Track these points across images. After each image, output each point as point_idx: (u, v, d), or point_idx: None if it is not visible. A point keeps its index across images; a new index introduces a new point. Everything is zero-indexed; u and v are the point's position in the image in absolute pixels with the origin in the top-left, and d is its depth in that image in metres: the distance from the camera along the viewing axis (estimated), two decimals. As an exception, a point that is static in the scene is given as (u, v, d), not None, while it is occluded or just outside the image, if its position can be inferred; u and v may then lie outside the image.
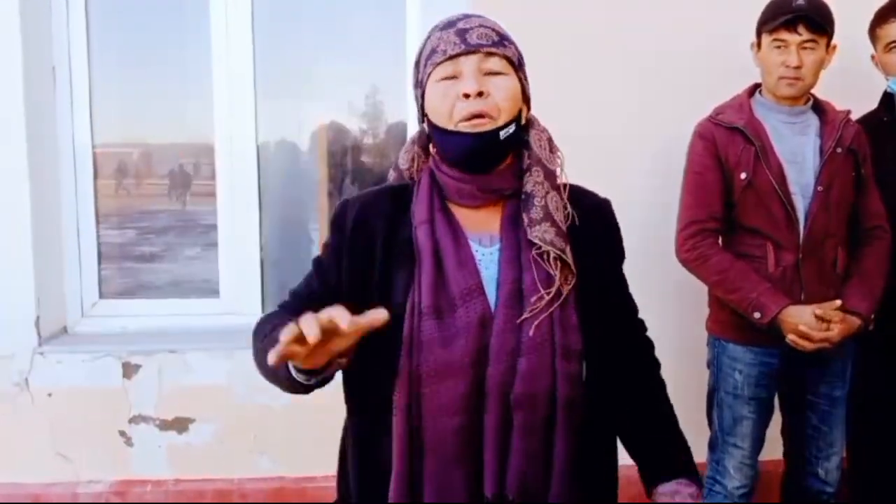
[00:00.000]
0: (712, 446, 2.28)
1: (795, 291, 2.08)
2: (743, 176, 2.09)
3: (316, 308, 1.02)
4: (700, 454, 2.38)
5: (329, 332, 0.94)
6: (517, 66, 1.21)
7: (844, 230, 2.15)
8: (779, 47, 2.09)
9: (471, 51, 1.16)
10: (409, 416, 1.12)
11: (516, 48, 1.23)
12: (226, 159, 2.89)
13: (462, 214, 1.21)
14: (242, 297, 2.90)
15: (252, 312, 2.87)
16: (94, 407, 2.69)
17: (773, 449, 2.34)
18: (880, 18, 2.27)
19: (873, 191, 2.19)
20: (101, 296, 2.93)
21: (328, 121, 3.06)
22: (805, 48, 2.07)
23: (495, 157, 1.19)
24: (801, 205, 2.09)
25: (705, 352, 2.33)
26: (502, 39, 1.19)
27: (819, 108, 2.17)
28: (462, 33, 1.17)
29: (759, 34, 2.16)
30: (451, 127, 1.16)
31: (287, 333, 0.93)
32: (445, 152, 1.21)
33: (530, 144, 1.22)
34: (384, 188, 1.29)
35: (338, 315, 0.93)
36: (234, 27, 2.85)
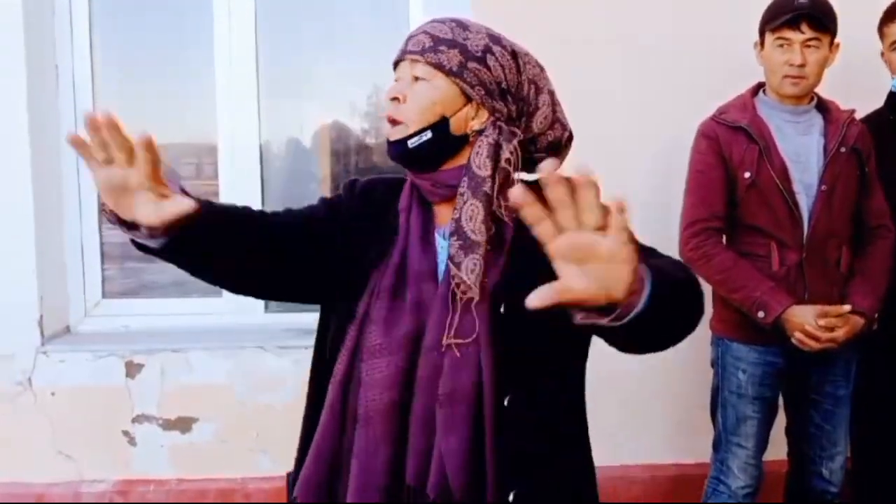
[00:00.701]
0: (716, 446, 2.28)
1: (799, 290, 2.08)
2: (746, 175, 2.09)
3: (287, 217, 1.29)
4: (704, 454, 2.39)
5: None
6: (453, 71, 1.18)
7: (848, 229, 2.15)
8: (782, 46, 2.09)
9: (402, 58, 1.22)
10: (343, 389, 1.16)
11: (462, 52, 1.18)
12: (228, 159, 2.90)
13: (437, 207, 1.26)
14: (245, 297, 2.90)
15: (254, 312, 2.88)
16: (97, 406, 2.69)
17: (778, 449, 2.33)
18: (888, 16, 2.27)
19: (877, 190, 2.19)
20: (104, 295, 2.93)
21: (330, 120, 3.06)
22: (808, 46, 2.07)
23: (417, 161, 1.22)
24: (804, 204, 2.08)
25: (709, 351, 2.32)
26: (436, 45, 1.19)
27: (823, 107, 2.17)
28: (408, 40, 1.22)
29: (762, 33, 2.16)
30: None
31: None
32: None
33: (472, 150, 1.21)
34: (390, 177, 1.36)
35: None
36: (237, 27, 2.85)
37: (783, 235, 2.09)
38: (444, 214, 1.24)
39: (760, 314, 2.05)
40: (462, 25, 1.23)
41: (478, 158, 1.20)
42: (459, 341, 1.13)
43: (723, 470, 2.23)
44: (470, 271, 1.14)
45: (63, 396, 2.69)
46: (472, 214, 1.17)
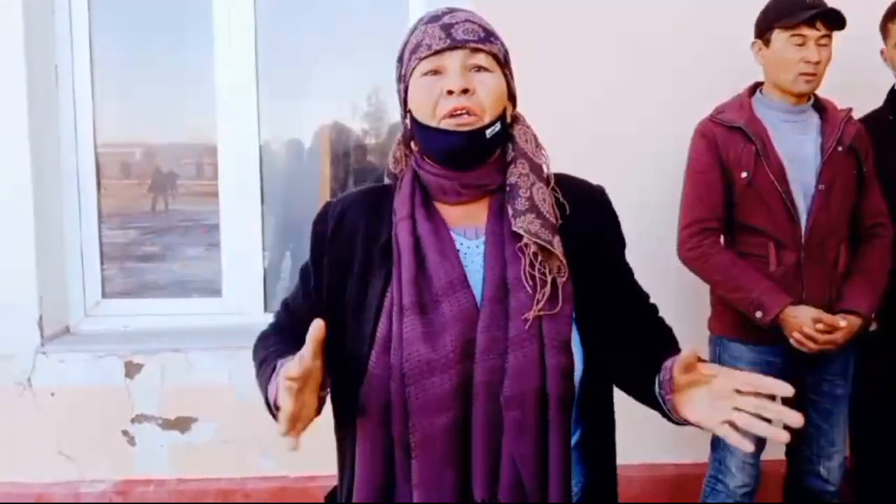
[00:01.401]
0: (714, 445, 2.28)
1: (797, 290, 2.08)
2: (743, 175, 2.09)
3: (304, 322, 1.05)
4: (702, 454, 2.39)
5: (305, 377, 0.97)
6: (503, 62, 1.17)
7: (846, 228, 2.15)
8: (798, 44, 2.07)
9: (456, 46, 1.12)
10: (384, 417, 1.08)
11: (502, 44, 1.19)
12: (228, 159, 2.90)
13: (445, 210, 1.18)
14: (245, 296, 2.90)
15: (254, 312, 2.87)
16: (97, 406, 2.69)
17: (775, 448, 2.33)
18: (892, 14, 2.27)
19: (875, 189, 2.19)
20: (104, 295, 2.93)
21: (331, 121, 3.06)
22: (820, 44, 2.08)
23: (480, 156, 1.16)
24: (802, 203, 2.09)
25: (707, 351, 2.32)
26: (488, 35, 1.16)
27: (820, 106, 2.17)
28: (447, 28, 1.13)
29: (768, 30, 2.14)
30: (434, 123, 1.13)
31: (282, 418, 0.97)
32: (428, 149, 1.17)
33: (515, 139, 1.19)
34: (369, 188, 1.27)
35: (300, 360, 0.96)
36: (237, 27, 2.85)
37: (781, 235, 2.09)
38: (456, 215, 1.18)
39: (759, 314, 2.05)
40: (482, 17, 1.20)
41: (529, 146, 1.19)
42: (547, 313, 1.09)
43: (721, 469, 2.24)
44: (560, 252, 1.12)
45: (63, 396, 2.69)
46: (543, 197, 1.15)
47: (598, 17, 2.66)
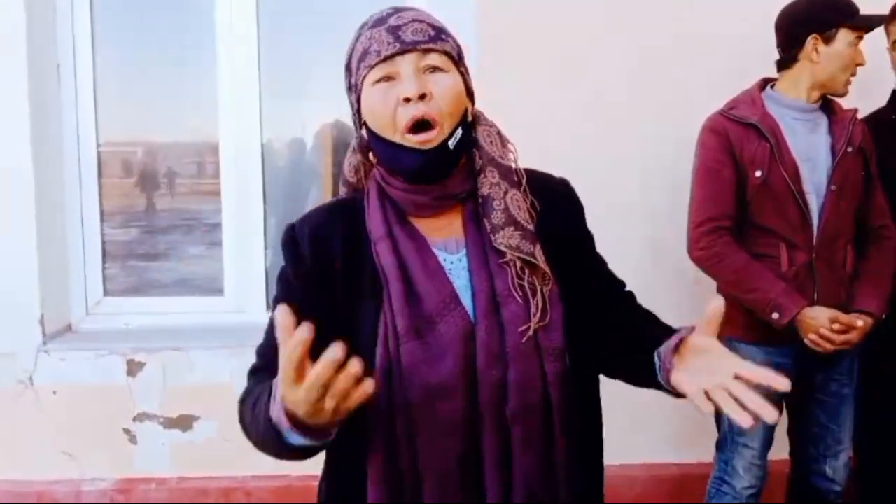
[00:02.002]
0: (720, 446, 2.26)
1: (809, 291, 2.06)
2: (758, 174, 2.04)
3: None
4: (706, 454, 2.38)
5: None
6: (457, 60, 1.12)
7: (853, 229, 2.14)
8: (855, 45, 2.07)
9: (407, 49, 1.07)
10: (393, 445, 1.04)
11: (454, 41, 1.13)
12: (230, 158, 2.89)
13: (421, 224, 1.13)
14: (246, 295, 2.90)
15: (256, 311, 2.87)
16: (99, 405, 2.69)
17: (779, 448, 2.33)
18: (893, 15, 2.25)
19: (879, 189, 2.18)
20: (106, 293, 2.93)
21: (332, 119, 3.06)
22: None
23: (447, 168, 1.11)
24: (814, 204, 2.06)
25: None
26: (439, 33, 1.10)
27: (828, 106, 2.15)
28: (395, 31, 1.08)
29: (830, 27, 2.07)
30: (396, 139, 1.07)
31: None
32: (392, 166, 1.12)
33: (479, 142, 1.14)
34: (332, 205, 1.21)
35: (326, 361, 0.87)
36: (239, 26, 2.85)
37: (793, 236, 2.06)
38: (434, 227, 1.13)
39: (775, 315, 2.02)
40: (429, 13, 1.15)
41: (495, 147, 1.14)
42: (543, 323, 1.07)
43: (727, 470, 2.22)
44: (544, 262, 1.09)
45: (64, 395, 2.69)
46: (519, 205, 1.11)
47: (602, 15, 2.66)
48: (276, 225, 2.98)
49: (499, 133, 1.18)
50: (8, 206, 2.64)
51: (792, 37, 2.12)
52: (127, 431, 2.72)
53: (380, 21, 1.11)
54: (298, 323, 0.90)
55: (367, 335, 1.07)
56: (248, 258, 2.91)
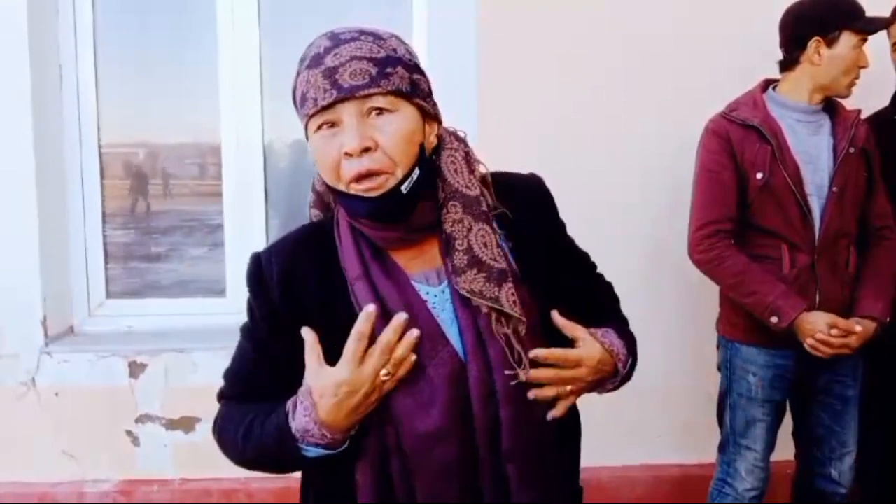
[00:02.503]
0: (723, 448, 2.26)
1: (811, 292, 2.06)
2: (759, 176, 2.04)
3: (267, 390, 1.07)
4: (707, 455, 2.38)
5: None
6: (409, 93, 1.03)
7: (855, 230, 2.13)
8: (858, 48, 2.06)
9: (345, 98, 0.99)
10: (388, 486, 1.04)
11: (405, 68, 1.03)
12: (232, 159, 2.90)
13: (397, 256, 1.09)
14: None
15: (258, 312, 2.87)
16: (101, 406, 2.70)
17: (783, 450, 2.33)
18: (894, 17, 2.25)
19: (881, 190, 2.18)
20: (108, 295, 2.93)
21: (334, 120, 3.06)
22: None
23: (404, 209, 1.04)
24: (816, 206, 2.06)
25: (715, 354, 2.31)
26: (382, 70, 1.00)
27: (831, 107, 2.15)
28: (331, 74, 0.99)
29: (833, 30, 2.05)
30: (342, 188, 1.02)
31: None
32: (347, 211, 1.07)
33: (443, 172, 1.07)
34: (300, 235, 1.14)
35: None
36: (241, 27, 2.85)
37: (794, 237, 2.06)
38: (412, 261, 1.09)
39: (774, 319, 2.02)
40: (373, 35, 1.05)
41: (459, 177, 1.07)
42: (525, 370, 1.04)
43: (729, 472, 2.22)
44: (513, 304, 1.03)
45: (67, 396, 2.69)
46: (485, 241, 1.05)
47: (603, 16, 2.66)
48: (278, 226, 2.98)
49: (466, 154, 1.10)
50: (10, 208, 2.64)
51: (794, 38, 2.11)
52: (129, 433, 2.72)
53: (316, 60, 1.02)
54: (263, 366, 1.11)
55: None
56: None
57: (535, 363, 1.05)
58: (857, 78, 2.09)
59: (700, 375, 2.53)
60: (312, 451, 1.03)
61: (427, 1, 2.79)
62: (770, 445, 2.20)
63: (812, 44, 2.06)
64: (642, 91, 2.67)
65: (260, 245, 2.91)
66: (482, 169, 1.13)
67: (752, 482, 2.18)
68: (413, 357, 1.01)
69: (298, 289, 1.07)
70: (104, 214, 2.91)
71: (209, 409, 2.96)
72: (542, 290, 1.11)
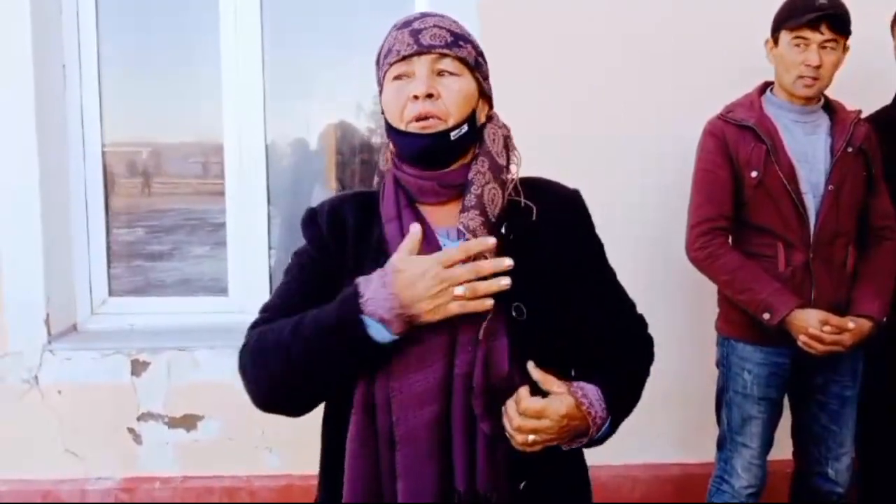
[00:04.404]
0: (720, 445, 2.28)
1: (806, 291, 2.07)
2: (753, 174, 2.08)
3: (305, 306, 1.14)
4: (708, 454, 2.39)
5: None
6: (473, 66, 1.21)
7: (854, 229, 2.14)
8: (798, 45, 2.06)
9: (423, 52, 1.17)
10: (368, 413, 1.12)
11: (474, 47, 1.23)
12: (235, 158, 2.90)
13: (428, 211, 1.22)
14: (251, 295, 2.90)
15: (260, 311, 2.88)
16: (103, 404, 2.71)
17: (781, 449, 2.33)
18: None
19: (883, 190, 2.19)
20: (111, 293, 2.95)
21: (337, 120, 3.07)
22: (825, 48, 2.05)
23: (448, 156, 1.20)
24: (811, 204, 2.08)
25: (714, 352, 2.32)
26: (457, 40, 1.20)
27: (830, 107, 2.16)
28: (416, 34, 1.18)
29: (776, 31, 2.14)
30: (402, 127, 1.18)
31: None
32: (400, 151, 1.22)
33: (483, 138, 1.23)
34: (350, 193, 1.32)
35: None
36: (244, 27, 2.86)
37: (790, 236, 2.08)
38: (439, 216, 1.21)
39: (766, 315, 2.04)
40: (454, 20, 1.24)
41: (495, 146, 1.22)
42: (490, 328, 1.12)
43: (726, 469, 2.23)
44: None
45: (69, 394, 2.70)
46: (492, 197, 1.18)
47: (603, 15, 2.66)
48: (281, 225, 2.99)
49: (506, 136, 1.25)
50: (14, 207, 2.65)
51: (766, 42, 2.19)
52: (131, 431, 2.73)
53: (405, 24, 1.21)
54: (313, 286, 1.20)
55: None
56: (252, 258, 2.92)
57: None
58: (803, 76, 2.06)
59: (701, 375, 2.53)
60: (373, 327, 1.07)
61: (429, 4, 2.80)
62: (767, 443, 2.21)
63: (767, 45, 2.17)
64: (642, 91, 2.67)
65: (262, 244, 2.93)
66: (516, 155, 1.25)
67: (749, 479, 2.19)
68: (491, 303, 1.08)
69: (340, 223, 1.24)
70: (107, 213, 2.92)
71: (211, 407, 2.99)
72: (538, 302, 1.16)
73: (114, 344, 2.74)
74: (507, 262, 1.08)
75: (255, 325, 1.23)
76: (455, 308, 1.07)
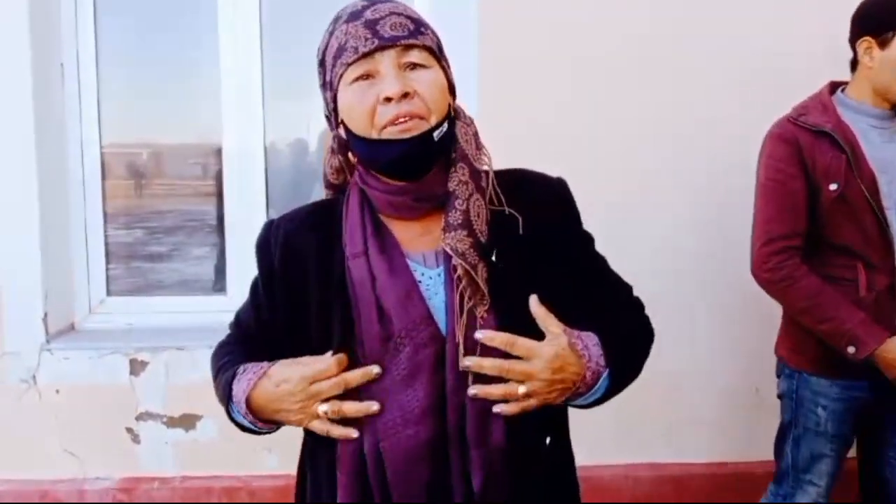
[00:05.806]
0: (779, 480, 2.08)
1: (890, 318, 1.86)
2: (833, 187, 1.84)
3: (256, 341, 1.15)
4: (708, 454, 2.37)
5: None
6: (438, 54, 1.07)
7: None
8: None
9: (386, 45, 1.01)
10: (360, 470, 1.04)
11: (434, 33, 1.09)
12: (233, 159, 2.91)
13: (400, 229, 1.09)
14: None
15: (259, 311, 2.88)
16: (102, 404, 2.70)
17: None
18: None
19: None
20: (109, 293, 2.95)
21: (336, 120, 3.06)
22: None
23: (430, 161, 1.05)
24: (894, 220, 1.87)
25: (719, 349, 2.24)
26: (419, 27, 1.05)
27: None
28: (372, 25, 1.02)
29: (885, 31, 1.87)
30: (374, 135, 1.03)
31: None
32: (372, 162, 1.07)
33: (457, 139, 1.08)
34: (311, 208, 1.19)
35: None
36: (242, 27, 2.86)
37: (872, 256, 1.86)
38: (411, 235, 1.09)
39: (851, 349, 1.82)
40: (405, 4, 1.09)
41: (470, 147, 1.08)
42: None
43: None
44: (485, 281, 1.03)
45: (67, 394, 2.70)
46: (478, 211, 1.05)
47: (603, 14, 2.66)
48: (279, 225, 2.99)
49: (475, 134, 1.12)
50: (12, 206, 2.65)
51: (853, 35, 1.94)
52: (130, 430, 2.72)
53: (355, 15, 1.05)
54: (261, 329, 1.15)
55: (337, 347, 1.06)
56: (250, 259, 2.89)
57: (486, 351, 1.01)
58: None
59: (704, 373, 2.53)
60: (238, 417, 1.11)
61: (429, 4, 2.80)
62: (834, 480, 2.01)
63: (863, 44, 1.91)
64: (642, 90, 2.67)
65: (261, 243, 2.92)
66: (486, 154, 1.12)
67: None
68: (355, 434, 1.03)
69: (298, 256, 1.11)
70: (105, 214, 2.92)
71: (210, 406, 2.96)
72: (537, 284, 1.07)
73: (112, 343, 2.73)
74: (375, 371, 1.01)
75: (222, 345, 1.26)
76: (318, 426, 1.03)
